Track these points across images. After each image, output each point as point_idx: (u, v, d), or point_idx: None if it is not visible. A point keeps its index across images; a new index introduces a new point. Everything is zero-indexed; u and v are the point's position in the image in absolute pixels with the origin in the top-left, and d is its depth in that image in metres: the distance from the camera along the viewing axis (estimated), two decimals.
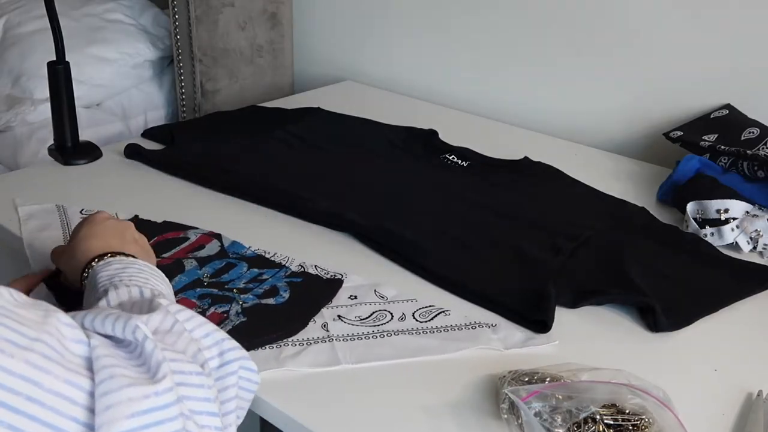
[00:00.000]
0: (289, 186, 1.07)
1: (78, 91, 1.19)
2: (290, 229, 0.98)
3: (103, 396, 0.43)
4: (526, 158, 1.21)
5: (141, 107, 1.68)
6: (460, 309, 0.82)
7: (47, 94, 1.16)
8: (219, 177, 1.09)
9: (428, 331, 0.78)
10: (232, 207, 1.03)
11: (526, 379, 0.66)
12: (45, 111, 1.47)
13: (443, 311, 0.81)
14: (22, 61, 1.57)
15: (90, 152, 1.17)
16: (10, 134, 1.52)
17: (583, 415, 0.59)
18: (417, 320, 0.80)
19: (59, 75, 1.12)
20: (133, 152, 1.16)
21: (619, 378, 0.63)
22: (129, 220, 0.97)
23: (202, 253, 0.90)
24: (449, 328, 0.79)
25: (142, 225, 0.96)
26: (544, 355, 0.76)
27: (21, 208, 1.00)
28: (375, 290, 0.85)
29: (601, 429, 0.59)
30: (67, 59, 1.12)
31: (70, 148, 1.16)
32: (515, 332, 0.78)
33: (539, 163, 1.20)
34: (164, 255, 0.89)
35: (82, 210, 1.00)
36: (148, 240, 0.87)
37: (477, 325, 0.79)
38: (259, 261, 0.89)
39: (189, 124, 1.42)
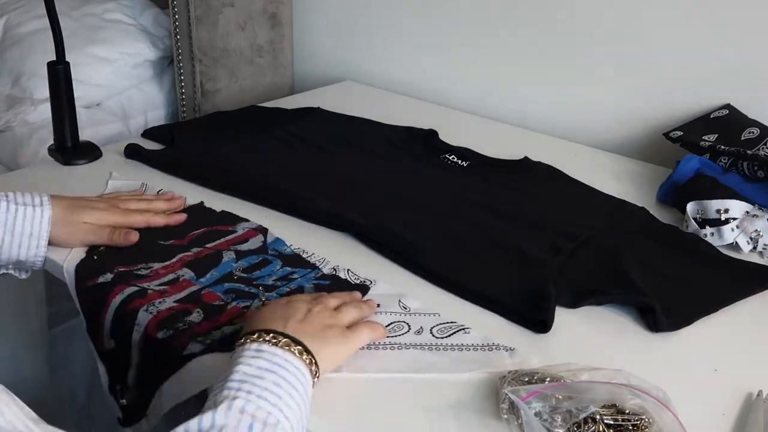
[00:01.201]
0: (289, 186, 1.06)
1: (78, 91, 1.19)
2: (290, 230, 0.98)
3: None
4: (526, 158, 1.21)
5: (141, 107, 1.67)
6: (482, 326, 0.79)
7: (47, 94, 1.15)
8: (219, 177, 1.09)
9: (442, 347, 0.75)
10: (232, 207, 1.03)
11: (526, 379, 0.66)
12: (45, 111, 1.47)
13: (463, 329, 0.78)
14: (22, 61, 1.57)
15: (90, 152, 1.17)
16: (10, 134, 1.52)
17: (583, 415, 0.59)
18: (434, 335, 0.77)
19: (59, 75, 1.12)
20: (133, 152, 1.16)
21: (618, 378, 0.63)
22: (194, 205, 1.01)
23: (244, 246, 0.91)
24: (465, 347, 0.76)
25: (202, 212, 1.00)
26: (544, 356, 0.75)
27: (111, 182, 1.07)
28: (399, 300, 0.83)
29: (601, 429, 0.59)
30: (67, 59, 1.12)
31: (70, 148, 1.16)
32: (531, 358, 0.74)
33: (539, 163, 1.20)
34: (208, 245, 0.91)
35: (160, 190, 1.04)
36: (198, 228, 0.94)
37: (495, 347, 0.76)
38: (295, 260, 0.89)
39: (189, 124, 1.42)
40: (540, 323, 0.79)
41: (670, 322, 0.81)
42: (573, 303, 0.83)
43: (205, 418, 0.55)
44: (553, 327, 0.79)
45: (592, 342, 0.79)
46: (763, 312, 0.87)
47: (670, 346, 0.79)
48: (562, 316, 0.81)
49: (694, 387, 0.73)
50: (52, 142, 1.17)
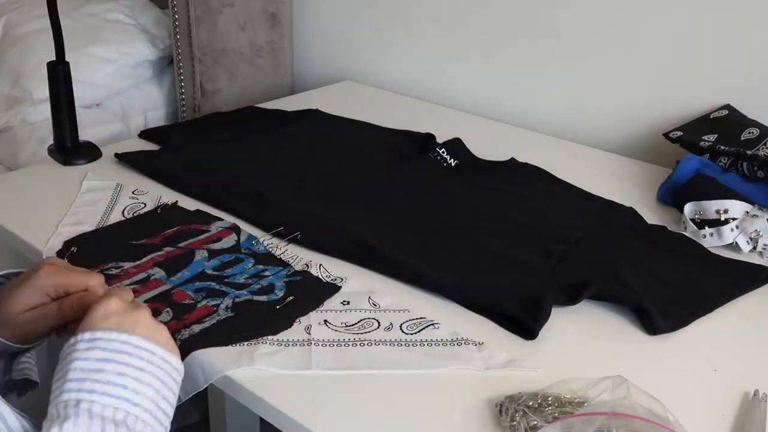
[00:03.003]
0: (278, 192, 1.05)
1: (78, 91, 1.19)
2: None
3: None
4: (512, 159, 1.20)
5: (141, 107, 1.67)
6: (452, 322, 0.80)
7: (47, 94, 1.16)
8: (209, 186, 1.06)
9: (411, 344, 0.76)
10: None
11: (530, 403, 0.64)
12: (45, 111, 1.46)
13: (432, 324, 0.79)
14: (22, 61, 1.57)
15: (90, 152, 1.17)
16: (10, 134, 1.52)
17: None
18: (403, 332, 0.78)
19: (59, 75, 1.12)
20: (123, 159, 1.15)
21: (621, 389, 0.62)
22: (169, 205, 1.01)
23: (217, 245, 0.91)
24: (433, 343, 0.76)
25: (176, 211, 1.00)
26: (539, 362, 0.75)
27: (85, 182, 1.07)
28: (369, 297, 0.84)
29: None
30: (66, 59, 1.12)
31: (70, 148, 1.16)
32: (499, 352, 0.75)
33: (526, 164, 1.20)
34: (181, 244, 0.91)
35: (135, 191, 1.05)
36: (171, 227, 0.94)
37: (463, 342, 0.76)
38: (267, 258, 0.90)
39: (186, 126, 1.42)
40: (529, 330, 0.78)
41: (667, 324, 0.81)
42: (569, 302, 0.83)
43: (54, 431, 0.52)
44: (550, 330, 0.79)
45: (589, 346, 0.79)
46: (761, 311, 0.87)
47: (668, 348, 0.79)
48: (558, 319, 0.81)
49: (693, 387, 0.73)
50: (51, 142, 1.17)
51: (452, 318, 0.81)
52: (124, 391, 0.56)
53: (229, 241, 0.93)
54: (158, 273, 0.85)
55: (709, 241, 0.99)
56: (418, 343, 0.76)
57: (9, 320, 0.67)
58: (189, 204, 1.03)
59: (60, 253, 0.88)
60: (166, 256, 0.88)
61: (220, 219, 0.98)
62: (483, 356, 0.75)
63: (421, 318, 0.80)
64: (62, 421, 0.53)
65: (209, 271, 0.86)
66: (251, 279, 0.85)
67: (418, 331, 0.78)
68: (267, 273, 0.86)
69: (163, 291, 0.82)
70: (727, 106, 1.23)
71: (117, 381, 0.56)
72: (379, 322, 0.79)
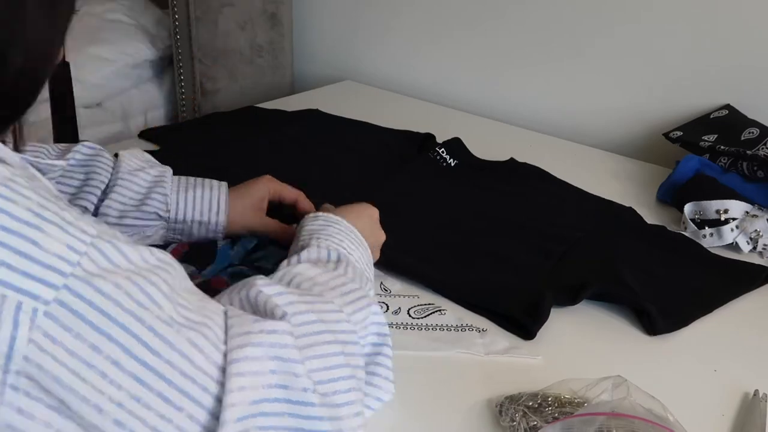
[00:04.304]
0: None
1: (78, 91, 1.19)
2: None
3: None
4: (512, 159, 1.21)
5: (141, 107, 1.68)
6: (458, 309, 0.82)
7: (47, 94, 1.16)
8: None
9: (415, 327, 0.78)
10: None
11: (530, 403, 0.64)
12: (45, 111, 1.46)
13: (439, 310, 0.81)
14: None
15: None
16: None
17: None
18: (410, 316, 0.80)
19: (59, 75, 1.12)
20: None
21: (621, 389, 0.62)
22: None
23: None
24: (437, 328, 0.79)
25: None
26: (538, 362, 0.75)
27: None
28: (381, 282, 0.85)
29: None
30: (67, 59, 1.12)
31: None
32: (501, 340, 0.76)
33: (525, 164, 1.19)
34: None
35: None
36: None
37: (467, 328, 0.79)
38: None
39: (186, 126, 1.42)
40: (527, 330, 0.78)
41: (667, 324, 0.81)
42: (568, 302, 0.83)
43: (293, 258, 0.67)
44: (550, 330, 0.79)
45: (588, 346, 0.79)
46: (760, 311, 0.87)
47: (668, 348, 0.79)
48: (557, 319, 0.81)
49: (693, 387, 0.73)
50: (52, 142, 1.17)
51: (459, 309, 0.83)
52: (341, 243, 0.70)
53: None
54: (188, 269, 0.84)
55: (709, 241, 0.99)
56: (423, 327, 0.78)
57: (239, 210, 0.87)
58: None
59: None
60: (189, 247, 0.87)
61: None
62: (484, 342, 0.76)
63: (429, 304, 0.82)
64: (300, 251, 0.68)
65: (236, 260, 0.85)
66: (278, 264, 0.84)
67: (425, 316, 0.80)
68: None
69: (201, 283, 0.81)
70: (727, 106, 1.23)
71: (336, 236, 0.71)
72: (387, 306, 0.81)
